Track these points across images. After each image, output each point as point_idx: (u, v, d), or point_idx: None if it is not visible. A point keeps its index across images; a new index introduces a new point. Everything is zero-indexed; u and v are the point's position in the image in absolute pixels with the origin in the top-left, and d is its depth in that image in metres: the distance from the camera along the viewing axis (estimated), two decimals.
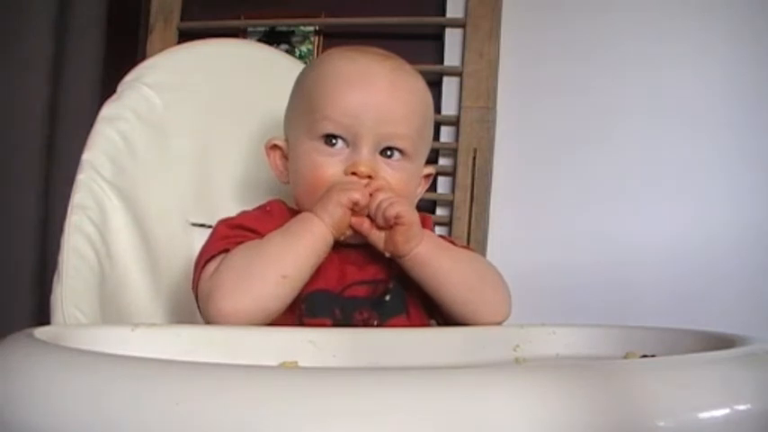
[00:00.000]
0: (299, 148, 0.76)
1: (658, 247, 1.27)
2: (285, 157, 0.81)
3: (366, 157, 0.73)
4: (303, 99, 0.78)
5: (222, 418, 0.34)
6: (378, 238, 0.72)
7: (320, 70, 0.77)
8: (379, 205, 0.70)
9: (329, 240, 0.71)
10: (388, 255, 0.73)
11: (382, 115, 0.73)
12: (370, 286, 0.75)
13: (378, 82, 0.74)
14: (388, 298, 0.75)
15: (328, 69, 0.76)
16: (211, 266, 0.70)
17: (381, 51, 0.78)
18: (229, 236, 0.72)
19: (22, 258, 1.33)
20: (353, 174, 0.72)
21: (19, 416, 0.37)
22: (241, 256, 0.68)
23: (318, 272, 0.72)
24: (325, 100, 0.74)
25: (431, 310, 0.78)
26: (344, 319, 0.73)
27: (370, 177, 0.73)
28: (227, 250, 0.70)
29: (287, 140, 0.80)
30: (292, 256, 0.68)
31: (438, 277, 0.74)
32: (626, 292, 1.25)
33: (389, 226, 0.71)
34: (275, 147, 0.81)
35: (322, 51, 1.44)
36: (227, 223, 0.75)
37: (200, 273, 0.70)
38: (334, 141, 0.74)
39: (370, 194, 0.71)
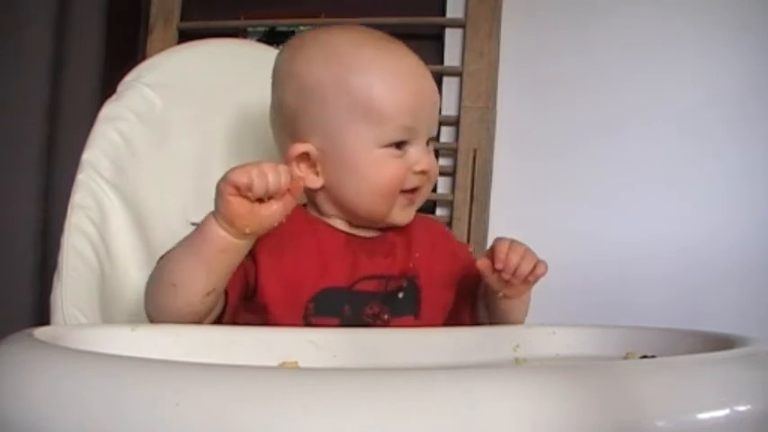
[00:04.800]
0: (365, 155, 0.72)
1: (659, 247, 1.27)
2: (312, 163, 0.74)
3: (426, 153, 0.75)
4: (355, 104, 0.72)
5: (222, 419, 0.34)
6: (496, 281, 0.73)
7: (370, 73, 0.73)
8: (520, 267, 0.71)
9: (230, 240, 0.64)
10: (501, 295, 0.74)
11: (433, 111, 0.77)
12: (381, 281, 0.74)
13: (426, 79, 0.76)
14: (401, 296, 0.74)
15: (379, 72, 0.73)
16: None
17: (392, 38, 0.77)
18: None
19: (22, 258, 1.33)
20: (421, 172, 0.74)
21: (19, 416, 0.38)
22: (157, 273, 0.67)
23: (327, 267, 0.71)
24: (396, 108, 0.72)
25: (446, 309, 0.78)
26: (354, 315, 0.72)
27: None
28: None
29: (313, 145, 0.74)
30: (194, 274, 0.64)
31: (510, 309, 0.76)
32: (626, 292, 1.25)
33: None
34: (305, 154, 0.74)
35: None
36: None
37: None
38: (405, 145, 0.74)
39: (509, 249, 0.71)
